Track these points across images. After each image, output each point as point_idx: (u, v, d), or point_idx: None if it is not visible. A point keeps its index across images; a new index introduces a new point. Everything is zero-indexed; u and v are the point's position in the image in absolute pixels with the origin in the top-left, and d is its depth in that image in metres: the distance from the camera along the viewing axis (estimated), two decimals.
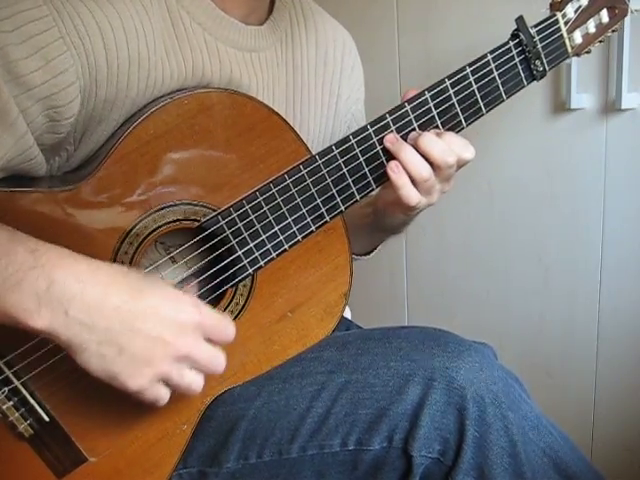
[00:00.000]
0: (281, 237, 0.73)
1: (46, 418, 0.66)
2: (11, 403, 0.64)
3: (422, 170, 0.73)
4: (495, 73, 0.77)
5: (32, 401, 0.66)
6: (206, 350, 0.62)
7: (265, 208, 0.72)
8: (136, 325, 0.58)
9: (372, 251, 0.97)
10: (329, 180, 0.74)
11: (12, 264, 0.55)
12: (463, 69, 0.76)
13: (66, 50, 0.62)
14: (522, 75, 0.79)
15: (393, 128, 0.75)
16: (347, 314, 1.04)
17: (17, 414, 0.65)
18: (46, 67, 0.61)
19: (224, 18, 0.74)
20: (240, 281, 0.74)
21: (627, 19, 0.85)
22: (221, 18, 0.74)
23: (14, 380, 0.65)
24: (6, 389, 0.64)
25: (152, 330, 0.59)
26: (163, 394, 0.62)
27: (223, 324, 0.64)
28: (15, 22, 0.60)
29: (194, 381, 0.63)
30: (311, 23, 0.87)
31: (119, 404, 0.68)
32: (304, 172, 0.73)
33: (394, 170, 0.73)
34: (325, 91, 0.90)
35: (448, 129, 0.77)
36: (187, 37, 0.71)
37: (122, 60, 0.66)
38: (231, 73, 0.75)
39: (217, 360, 0.63)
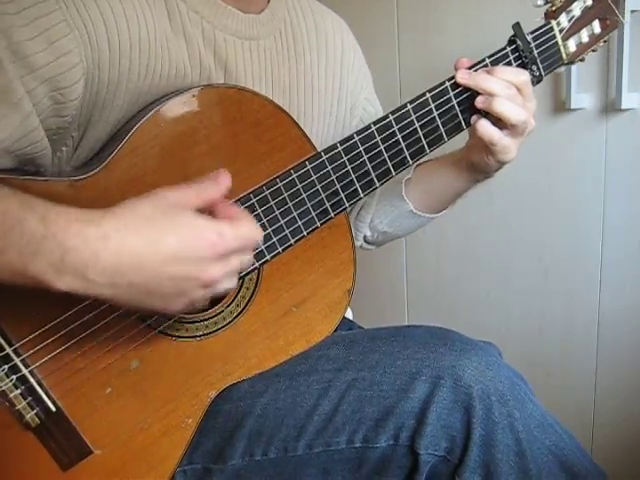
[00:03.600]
0: (287, 231, 0.73)
1: (53, 408, 0.66)
2: (18, 391, 0.64)
3: (519, 114, 0.76)
4: None
5: (39, 390, 0.65)
6: (235, 268, 0.62)
7: (272, 202, 0.72)
8: (159, 272, 0.58)
9: (444, 209, 0.99)
10: (334, 177, 0.75)
11: (25, 233, 0.55)
12: None
13: (69, 32, 0.63)
14: None
15: (395, 128, 0.76)
16: (348, 314, 1.04)
17: (24, 403, 0.65)
18: (50, 48, 0.62)
19: (221, 6, 0.75)
20: (247, 274, 0.73)
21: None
22: (218, 6, 0.75)
23: (22, 368, 0.64)
24: (14, 377, 0.64)
25: (177, 272, 0.58)
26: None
27: (250, 235, 0.62)
28: (19, 5, 0.60)
29: (229, 285, 0.63)
30: (308, 11, 0.88)
31: (125, 397, 0.68)
32: (309, 168, 0.73)
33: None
34: (328, 77, 0.90)
35: (448, 129, 0.78)
36: (183, 26, 0.72)
37: (124, 44, 0.67)
38: (227, 61, 0.76)
39: (248, 264, 0.65)
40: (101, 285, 0.57)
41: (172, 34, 0.71)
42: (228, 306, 0.74)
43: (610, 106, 1.25)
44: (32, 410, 0.65)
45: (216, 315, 0.73)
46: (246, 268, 0.64)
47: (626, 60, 1.18)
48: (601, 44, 0.85)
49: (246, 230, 0.62)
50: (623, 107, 1.22)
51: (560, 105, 1.29)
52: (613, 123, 1.26)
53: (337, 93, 0.92)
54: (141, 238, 0.58)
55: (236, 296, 0.74)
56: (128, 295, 0.58)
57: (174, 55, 0.71)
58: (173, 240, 0.58)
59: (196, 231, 0.59)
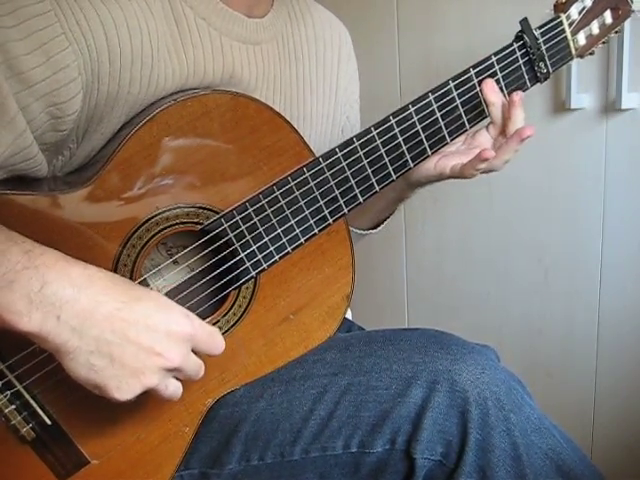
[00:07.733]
0: (284, 239, 0.73)
1: (48, 421, 0.66)
2: (13, 407, 0.64)
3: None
4: (499, 75, 0.78)
5: (34, 404, 0.65)
6: (193, 362, 0.63)
7: (268, 211, 0.72)
8: (128, 335, 0.58)
9: (379, 225, 0.98)
10: (332, 183, 0.74)
11: (5, 264, 0.54)
12: (467, 71, 0.77)
13: (68, 46, 0.62)
14: (526, 77, 0.79)
15: (397, 130, 0.75)
16: (348, 315, 1.04)
17: (19, 417, 0.65)
18: (47, 63, 0.61)
19: (227, 11, 0.74)
20: (243, 284, 0.73)
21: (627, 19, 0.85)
22: (224, 11, 0.74)
23: (16, 383, 0.64)
24: (8, 392, 0.64)
25: (144, 341, 0.58)
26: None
27: (213, 337, 0.64)
28: (17, 17, 0.59)
29: (177, 389, 0.63)
30: (308, 17, 0.88)
31: (121, 407, 0.68)
32: (307, 175, 0.73)
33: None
34: (326, 83, 0.90)
35: (451, 131, 0.78)
36: (190, 33, 0.71)
37: (125, 56, 0.66)
38: (233, 67, 0.75)
39: (201, 371, 0.65)
40: (71, 330, 0.56)
41: (179, 42, 0.70)
42: (225, 315, 0.73)
43: (610, 106, 1.24)
44: (27, 424, 0.65)
45: (213, 324, 0.72)
46: (194, 376, 0.64)
47: (626, 60, 1.18)
48: (612, 35, 0.84)
49: (215, 333, 0.65)
50: (623, 107, 1.21)
51: (560, 105, 1.29)
52: (613, 123, 1.25)
53: (334, 98, 0.92)
54: (121, 295, 0.59)
55: (233, 305, 0.74)
56: (88, 354, 0.57)
57: (176, 66, 0.70)
58: (151, 306, 0.60)
59: (172, 309, 0.61)
